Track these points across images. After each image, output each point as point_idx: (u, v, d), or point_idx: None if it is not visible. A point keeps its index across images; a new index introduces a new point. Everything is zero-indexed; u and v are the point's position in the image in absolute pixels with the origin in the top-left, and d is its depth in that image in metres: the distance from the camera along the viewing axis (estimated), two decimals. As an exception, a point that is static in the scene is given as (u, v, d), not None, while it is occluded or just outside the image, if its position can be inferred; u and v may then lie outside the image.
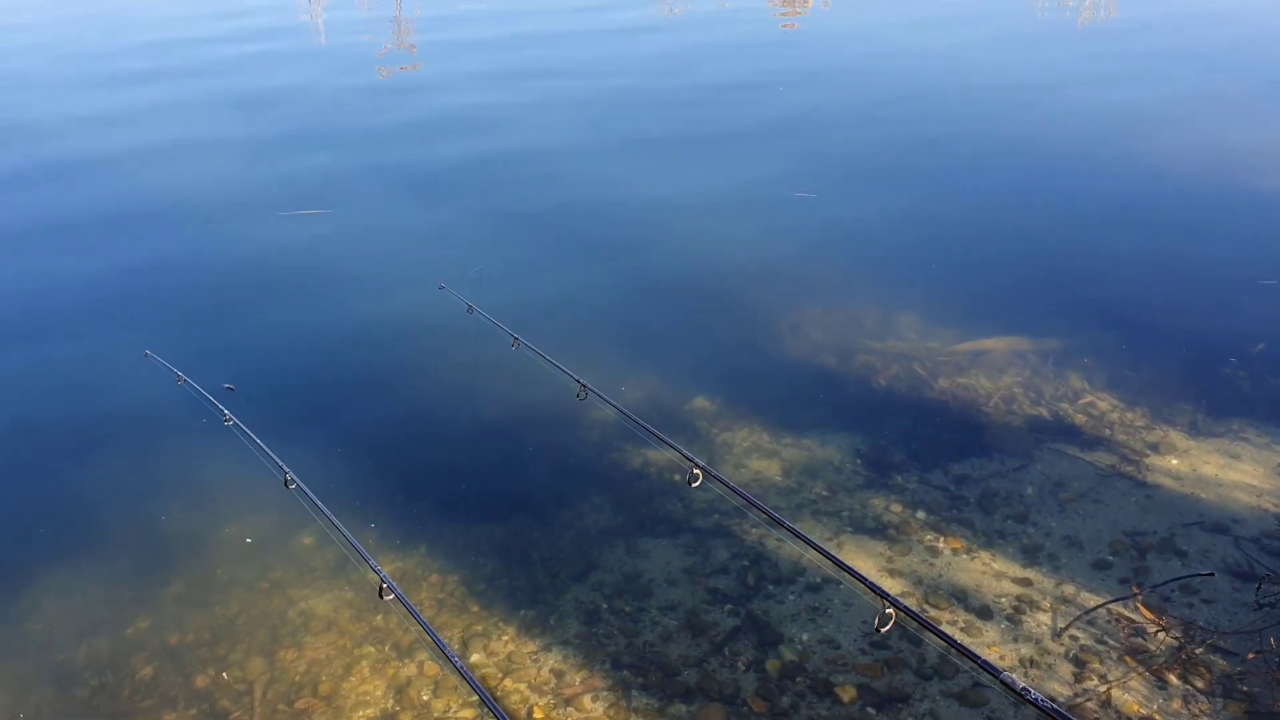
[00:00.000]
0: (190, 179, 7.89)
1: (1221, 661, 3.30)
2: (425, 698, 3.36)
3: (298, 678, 3.45)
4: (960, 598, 3.63)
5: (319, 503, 3.85)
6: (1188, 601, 3.56)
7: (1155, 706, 3.15)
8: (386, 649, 3.55)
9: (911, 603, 3.61)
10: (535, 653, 3.51)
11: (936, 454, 4.41)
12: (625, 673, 3.41)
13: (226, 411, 4.50)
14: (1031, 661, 3.34)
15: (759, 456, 4.44)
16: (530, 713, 3.28)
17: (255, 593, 3.82)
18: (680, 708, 3.27)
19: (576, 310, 5.74)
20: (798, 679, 3.35)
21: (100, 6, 15.59)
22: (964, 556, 3.83)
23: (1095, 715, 3.13)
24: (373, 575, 3.56)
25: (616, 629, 3.59)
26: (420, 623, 3.24)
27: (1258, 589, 3.58)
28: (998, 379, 4.91)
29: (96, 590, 3.86)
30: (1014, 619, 3.53)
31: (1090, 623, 3.48)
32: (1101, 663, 3.31)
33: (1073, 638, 3.43)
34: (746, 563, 3.85)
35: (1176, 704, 3.15)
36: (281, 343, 5.54)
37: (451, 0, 15.18)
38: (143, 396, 4.96)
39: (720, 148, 8.21)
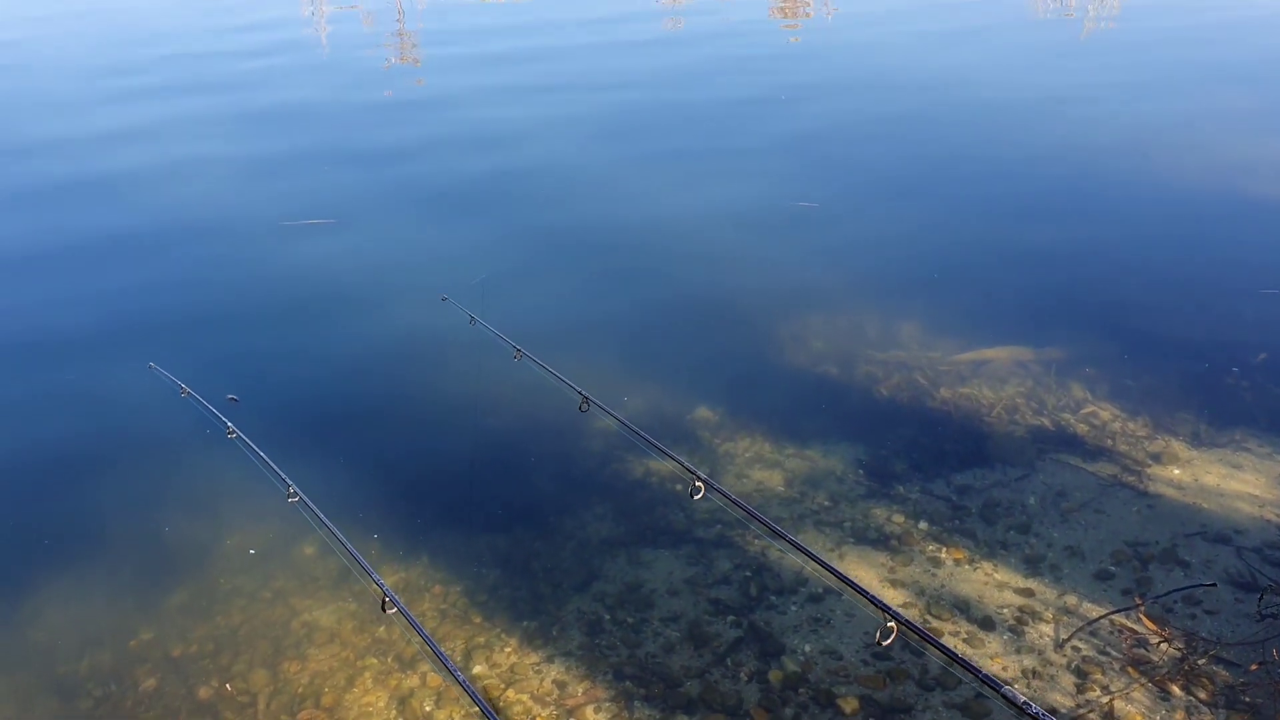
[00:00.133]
0: (192, 192, 7.93)
1: (1224, 673, 3.29)
2: (428, 709, 3.36)
3: (301, 689, 3.45)
4: (962, 608, 3.63)
5: (322, 516, 3.86)
6: (1190, 612, 3.56)
7: (1158, 718, 3.14)
8: (389, 660, 3.55)
9: (914, 614, 3.61)
10: (538, 664, 3.51)
11: (939, 464, 4.41)
12: (628, 684, 3.41)
13: (230, 424, 4.51)
14: (1034, 673, 3.34)
15: (761, 467, 4.45)
16: (532, 724, 3.29)
17: (258, 603, 3.82)
18: (683, 719, 3.27)
19: (579, 321, 5.75)
20: (800, 690, 3.35)
21: (99, 22, 15.67)
22: (966, 567, 3.83)
23: (1098, 726, 3.13)
24: (375, 587, 3.57)
25: (619, 640, 3.60)
26: (422, 635, 3.24)
27: (1260, 600, 3.58)
28: (1000, 389, 4.91)
29: (99, 601, 3.87)
30: (1016, 630, 3.53)
31: (1093, 633, 3.48)
32: (1104, 674, 3.31)
33: (1075, 649, 3.43)
34: (749, 573, 3.85)
35: (1179, 715, 3.15)
36: (285, 354, 5.56)
37: (454, 16, 15.24)
38: (147, 409, 4.97)
39: (722, 159, 8.23)
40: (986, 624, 3.56)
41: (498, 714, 3.30)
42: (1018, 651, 3.44)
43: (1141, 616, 3.55)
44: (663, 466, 4.41)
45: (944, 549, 3.92)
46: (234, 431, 4.48)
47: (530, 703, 3.36)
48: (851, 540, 4.00)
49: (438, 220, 7.23)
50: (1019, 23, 13.22)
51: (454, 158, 8.56)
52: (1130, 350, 5.16)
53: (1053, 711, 3.17)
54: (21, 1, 17.97)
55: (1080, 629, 3.50)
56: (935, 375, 5.05)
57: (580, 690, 3.40)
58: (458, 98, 10.31)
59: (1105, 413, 4.69)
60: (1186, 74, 10.12)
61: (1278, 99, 9.27)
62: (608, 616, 3.70)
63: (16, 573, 4.03)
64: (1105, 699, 3.21)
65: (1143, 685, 3.26)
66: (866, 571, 3.82)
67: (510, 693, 3.39)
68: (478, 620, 3.72)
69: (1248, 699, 3.19)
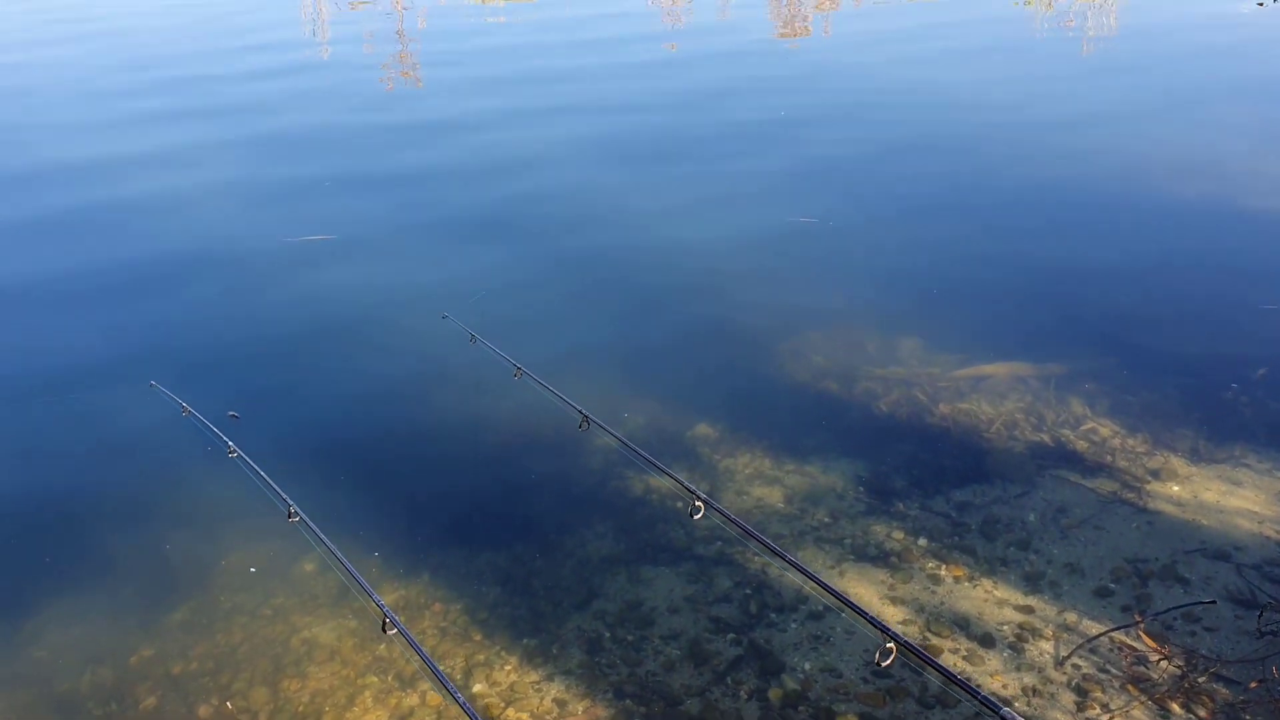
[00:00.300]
0: (193, 214, 7.96)
1: (1224, 690, 3.29)
2: (428, 728, 3.37)
3: (301, 707, 3.46)
4: (962, 626, 3.63)
5: (323, 536, 3.87)
6: (1190, 630, 3.56)
7: (1158, 736, 3.14)
8: (389, 679, 3.56)
9: (914, 631, 3.62)
10: (538, 682, 3.51)
11: (938, 480, 4.42)
12: (628, 702, 3.41)
13: (231, 444, 4.52)
14: (1034, 690, 3.34)
15: (761, 483, 4.46)
16: (532, 743, 3.29)
17: (258, 621, 3.83)
18: (682, 737, 3.27)
19: (579, 338, 5.77)
20: (800, 708, 3.35)
21: (100, 46, 15.77)
22: (966, 584, 3.83)
23: (1098, 745, 3.13)
24: (375, 606, 3.58)
25: (619, 658, 3.60)
26: (422, 657, 3.25)
27: (1260, 617, 3.58)
28: (999, 405, 4.92)
29: (100, 619, 3.88)
30: (1016, 647, 3.53)
31: (1092, 651, 3.48)
32: (1104, 691, 3.31)
33: (1075, 666, 3.42)
34: (749, 591, 3.86)
35: (1179, 733, 3.15)
36: (286, 373, 5.57)
37: (455, 38, 15.32)
38: (148, 427, 4.99)
39: (722, 179, 8.26)
40: (986, 641, 3.56)
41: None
42: (1018, 669, 3.43)
43: (1141, 634, 3.55)
44: (663, 484, 4.42)
45: (944, 566, 3.93)
46: (235, 450, 4.50)
47: (530, 721, 3.36)
48: (852, 557, 4.00)
49: (438, 237, 7.27)
50: (1017, 44, 13.28)
51: (455, 178, 8.60)
52: (1130, 366, 5.17)
53: (1053, 729, 3.18)
54: (17, 25, 18.11)
55: (1080, 646, 3.50)
56: (935, 391, 5.06)
57: (580, 709, 3.40)
58: (460, 120, 10.35)
59: (1105, 429, 4.70)
60: (1184, 89, 10.16)
61: (1276, 114, 9.31)
62: (608, 634, 3.70)
63: (18, 590, 4.04)
64: (1105, 717, 3.21)
65: (1143, 703, 3.26)
66: (866, 589, 3.82)
67: (510, 711, 3.40)
68: (478, 638, 3.72)
69: (1248, 717, 3.19)
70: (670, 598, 3.85)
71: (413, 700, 3.46)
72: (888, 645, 3.16)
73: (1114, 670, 3.39)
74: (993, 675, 3.41)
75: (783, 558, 3.69)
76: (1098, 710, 3.24)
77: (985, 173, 8.12)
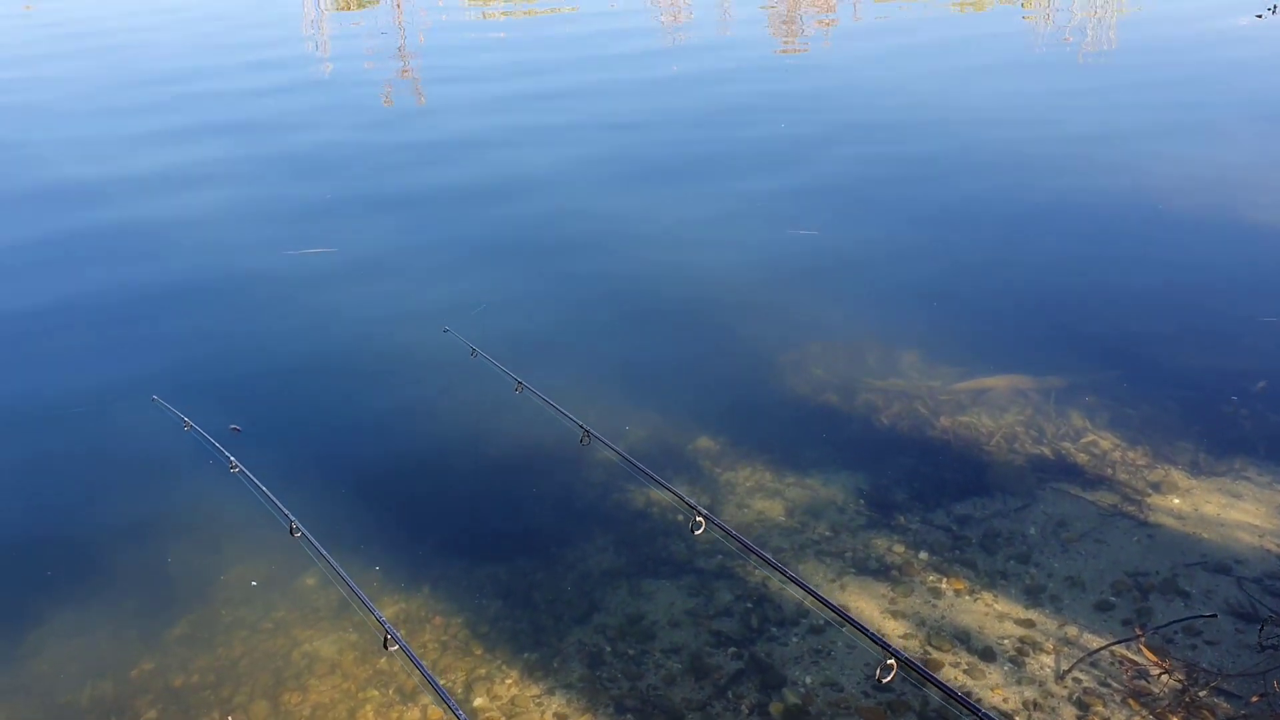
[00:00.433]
0: (195, 229, 7.98)
1: (1225, 704, 3.29)
2: (428, 742, 3.37)
3: (301, 722, 3.46)
4: (963, 639, 3.63)
5: (324, 552, 3.88)
6: (1191, 643, 3.55)
7: (1159, 750, 3.14)
8: (390, 693, 3.56)
9: (915, 645, 3.61)
10: (539, 696, 3.51)
11: (939, 494, 4.42)
12: (629, 716, 3.41)
13: (233, 459, 4.54)
14: (1035, 704, 3.34)
15: (762, 496, 4.46)
16: (533, 757, 3.29)
17: (259, 634, 3.83)
18: (683, 752, 3.27)
19: (579, 352, 5.78)
20: (801, 722, 3.34)
21: (104, 61, 15.85)
22: (967, 598, 3.83)
23: (1099, 759, 3.12)
24: (376, 622, 3.58)
25: (620, 672, 3.60)
26: (423, 672, 3.25)
27: (1261, 631, 3.58)
28: (999, 418, 4.93)
29: (101, 632, 3.88)
30: (1017, 661, 3.52)
31: (1093, 664, 3.48)
32: (1105, 705, 3.31)
33: (1076, 680, 3.42)
34: (750, 605, 3.86)
35: (1181, 747, 3.14)
36: (287, 387, 5.58)
37: (456, 54, 15.38)
38: (150, 442, 5.00)
39: (724, 196, 8.29)
40: (987, 655, 3.56)
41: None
42: (1018, 683, 3.43)
43: (1142, 647, 3.54)
44: (664, 497, 4.42)
45: (944, 579, 3.93)
46: (236, 465, 4.51)
47: (531, 735, 3.36)
48: (853, 571, 4.00)
49: (440, 255, 7.28)
50: (1016, 59, 13.33)
51: (456, 194, 8.61)
52: (1130, 379, 5.18)
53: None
54: (18, 40, 18.21)
55: (1081, 660, 3.50)
56: (935, 404, 5.07)
57: (581, 723, 3.40)
58: (462, 136, 10.38)
59: (1105, 441, 4.70)
60: (1183, 104, 10.19)
61: (1275, 129, 9.33)
62: (609, 648, 3.70)
63: (19, 603, 4.04)
64: (1106, 731, 3.21)
65: (1143, 717, 3.25)
66: (867, 603, 3.82)
67: (511, 725, 3.39)
68: (479, 652, 3.72)
69: (1249, 731, 3.18)
70: (671, 611, 3.85)
71: (414, 714, 3.46)
72: (888, 661, 3.17)
73: (1115, 684, 3.39)
74: (993, 689, 3.41)
75: (783, 573, 3.69)
76: (1099, 724, 3.24)
77: (985, 186, 8.13)
